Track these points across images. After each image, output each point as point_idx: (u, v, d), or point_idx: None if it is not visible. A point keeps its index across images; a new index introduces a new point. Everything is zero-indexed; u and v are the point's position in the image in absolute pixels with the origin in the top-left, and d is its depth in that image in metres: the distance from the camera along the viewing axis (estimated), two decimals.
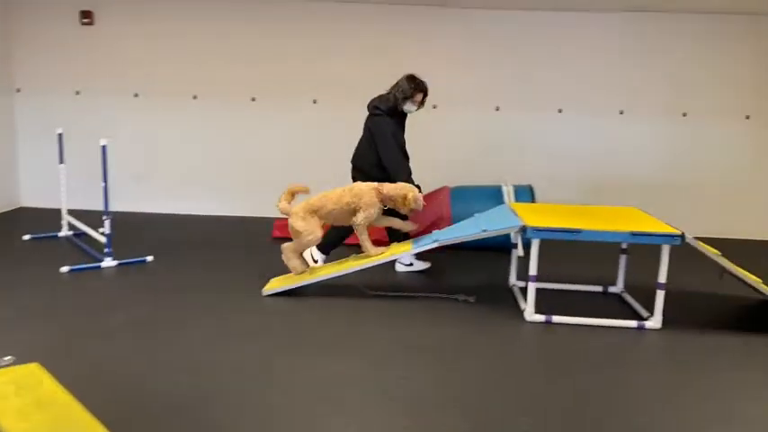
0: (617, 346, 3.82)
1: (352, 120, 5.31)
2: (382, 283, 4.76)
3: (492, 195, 5.94)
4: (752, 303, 4.69)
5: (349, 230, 4.81)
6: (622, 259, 4.81)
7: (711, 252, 3.99)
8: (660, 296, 4.05)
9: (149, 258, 5.19)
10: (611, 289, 4.86)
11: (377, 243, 4.66)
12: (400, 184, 4.53)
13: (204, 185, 7.14)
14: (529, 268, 4.10)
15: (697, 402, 3.13)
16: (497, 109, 6.89)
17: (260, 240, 6.10)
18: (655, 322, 4.09)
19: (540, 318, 4.13)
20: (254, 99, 7.00)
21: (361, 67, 6.80)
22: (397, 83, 4.89)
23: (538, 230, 3.99)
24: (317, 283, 4.49)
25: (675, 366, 3.56)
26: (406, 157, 4.93)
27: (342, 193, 4.49)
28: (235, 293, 4.48)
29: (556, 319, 4.13)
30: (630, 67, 6.72)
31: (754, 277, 4.05)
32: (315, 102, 6.97)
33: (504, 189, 5.87)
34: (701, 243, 3.97)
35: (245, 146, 7.07)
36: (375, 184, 4.53)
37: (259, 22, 6.85)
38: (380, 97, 4.94)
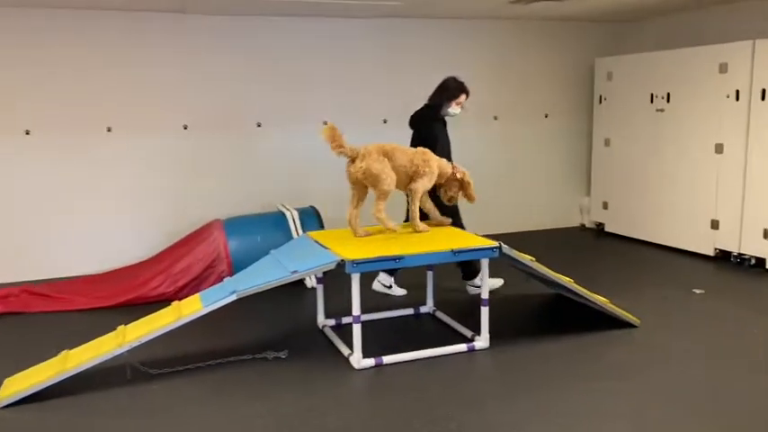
0: (457, 376, 3.44)
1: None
2: (165, 356, 3.76)
3: (275, 224, 5.26)
4: (559, 300, 4.74)
5: None
6: (429, 276, 4.51)
7: (526, 259, 3.85)
8: (485, 313, 3.80)
9: None
10: (423, 309, 4.53)
11: None
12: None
13: None
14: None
15: (558, 419, 2.87)
16: (259, 125, 6.18)
17: None
18: (483, 341, 3.82)
19: (370, 362, 3.58)
20: None
21: (96, 81, 5.58)
22: (440, 87, 4.66)
23: (358, 263, 3.43)
24: (75, 375, 3.34)
25: (518, 385, 3.29)
26: None
27: (413, 153, 4.10)
28: None
29: (387, 359, 3.62)
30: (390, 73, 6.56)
31: (565, 278, 4.02)
32: (28, 133, 5.52)
33: (288, 215, 5.21)
34: (516, 252, 3.80)
35: None
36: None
37: None
38: (428, 106, 4.70)
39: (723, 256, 5.64)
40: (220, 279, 4.94)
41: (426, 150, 4.17)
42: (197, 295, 3.77)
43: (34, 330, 4.37)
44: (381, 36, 6.44)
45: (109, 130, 5.68)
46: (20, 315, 4.65)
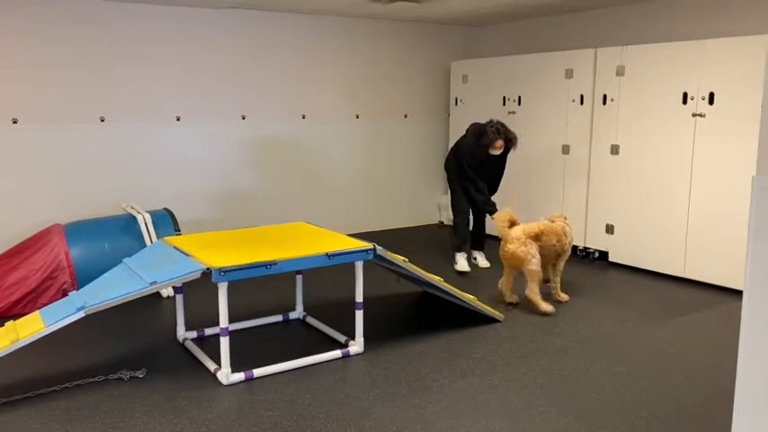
0: (334, 385, 3.33)
1: None
2: None
3: (124, 228, 4.80)
4: (425, 297, 4.77)
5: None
6: (298, 280, 4.35)
7: (399, 259, 3.82)
8: (359, 317, 3.71)
9: None
10: (292, 315, 4.36)
11: None
12: None
13: None
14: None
15: (434, 421, 2.87)
16: (102, 120, 5.62)
17: None
18: (358, 346, 3.74)
19: (239, 376, 3.36)
20: None
21: None
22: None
23: (227, 271, 3.19)
24: None
25: (398, 390, 3.25)
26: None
27: (561, 230, 4.51)
28: None
29: (258, 372, 3.41)
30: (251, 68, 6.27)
31: (435, 277, 4.04)
32: None
33: (140, 218, 4.78)
34: (390, 253, 3.76)
35: None
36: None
37: None
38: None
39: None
40: (63, 292, 4.44)
41: (565, 225, 4.64)
42: (36, 313, 3.31)
43: None
44: (234, 27, 6.13)
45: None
46: None
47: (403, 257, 3.86)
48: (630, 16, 5.97)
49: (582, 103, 5.74)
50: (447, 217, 7.43)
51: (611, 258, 5.66)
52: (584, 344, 3.88)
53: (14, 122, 5.22)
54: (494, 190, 5.54)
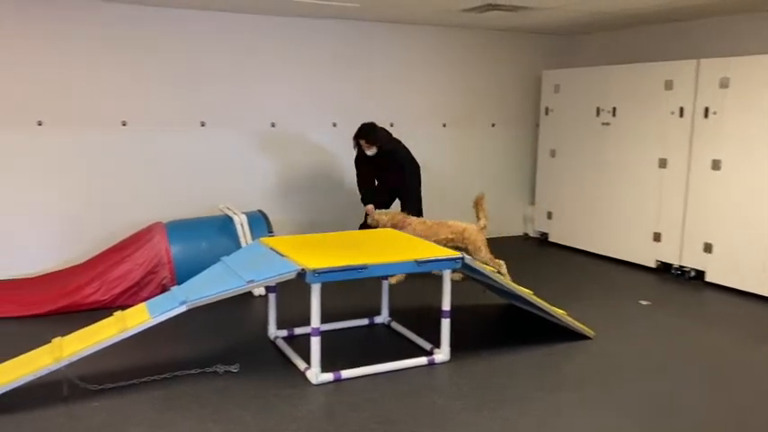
0: (419, 391, 3.34)
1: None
2: (105, 370, 3.48)
3: (221, 228, 5.01)
4: (512, 310, 4.72)
5: None
6: (385, 285, 4.39)
7: (488, 270, 3.79)
8: (446, 326, 3.71)
9: None
10: (377, 319, 4.41)
11: None
12: None
13: None
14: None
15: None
16: (203, 125, 5.90)
17: None
18: (443, 354, 3.74)
19: (328, 377, 3.43)
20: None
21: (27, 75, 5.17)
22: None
23: (321, 273, 3.27)
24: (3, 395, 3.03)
25: (483, 400, 3.22)
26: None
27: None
28: None
29: (345, 374, 3.47)
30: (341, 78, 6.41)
31: (525, 290, 3.99)
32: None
33: (236, 219, 4.97)
34: (478, 262, 3.74)
35: None
36: None
37: None
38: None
39: (664, 269, 5.80)
40: (162, 286, 4.68)
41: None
42: (143, 305, 3.51)
43: None
44: (336, 37, 6.29)
45: (40, 123, 5.28)
46: None
47: (491, 268, 3.82)
48: (732, 26, 5.70)
49: (681, 115, 5.52)
50: (533, 229, 7.31)
51: (708, 278, 5.40)
52: (679, 365, 3.72)
53: (123, 125, 5.55)
54: (403, 202, 5.78)
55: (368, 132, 5.52)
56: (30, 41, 5.17)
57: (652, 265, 5.86)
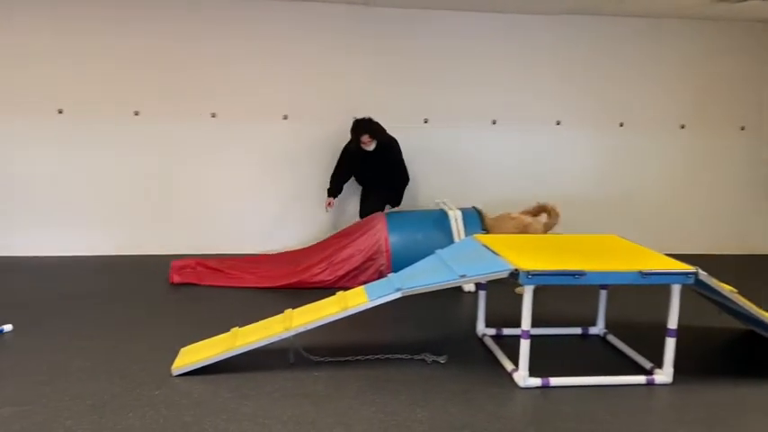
0: (634, 411, 3.10)
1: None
2: (325, 344, 3.76)
3: (436, 222, 5.14)
4: (753, 337, 4.18)
5: None
6: (602, 295, 4.14)
7: (726, 289, 3.39)
8: (671, 345, 3.39)
9: (6, 328, 3.87)
10: (592, 330, 4.18)
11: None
12: None
13: (74, 219, 5.77)
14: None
15: None
16: (426, 122, 6.09)
17: (155, 289, 4.89)
18: (666, 376, 3.42)
19: (536, 381, 3.34)
20: (137, 113, 5.76)
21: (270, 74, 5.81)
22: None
23: (535, 275, 3.19)
24: (242, 354, 3.41)
25: None
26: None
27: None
28: (134, 377, 3.31)
29: (554, 381, 3.35)
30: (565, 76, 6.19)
31: (766, 313, 3.50)
32: (214, 116, 5.84)
33: (451, 214, 5.06)
34: (716, 280, 3.35)
35: (115, 173, 5.81)
36: None
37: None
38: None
39: None
40: (379, 272, 4.92)
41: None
42: (362, 288, 3.73)
43: (206, 302, 4.60)
44: (559, 34, 6.10)
45: (285, 117, 5.88)
46: (193, 286, 4.93)
47: (731, 287, 3.41)
48: None
49: None
50: None
51: None
52: None
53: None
54: (394, 196, 5.70)
55: (372, 128, 5.43)
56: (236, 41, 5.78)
57: None
